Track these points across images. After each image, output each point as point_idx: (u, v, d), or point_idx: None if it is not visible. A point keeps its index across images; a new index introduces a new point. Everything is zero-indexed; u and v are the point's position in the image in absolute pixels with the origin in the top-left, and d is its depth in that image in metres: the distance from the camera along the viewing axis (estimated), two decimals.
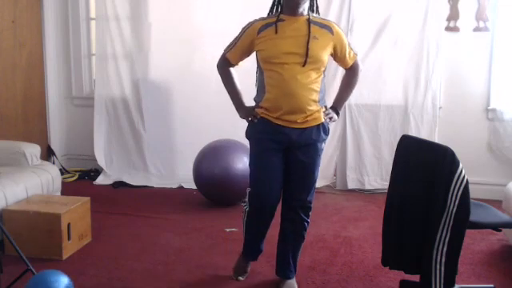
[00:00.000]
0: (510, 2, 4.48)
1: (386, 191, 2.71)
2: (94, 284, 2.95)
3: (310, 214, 2.83)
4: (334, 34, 2.66)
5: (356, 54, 2.82)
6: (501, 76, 4.55)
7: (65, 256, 3.28)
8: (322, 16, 2.77)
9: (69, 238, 3.32)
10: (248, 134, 2.82)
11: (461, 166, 2.31)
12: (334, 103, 2.87)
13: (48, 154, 5.36)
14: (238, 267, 3.04)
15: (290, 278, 2.88)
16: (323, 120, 2.70)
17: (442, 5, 4.55)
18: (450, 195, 2.30)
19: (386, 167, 4.70)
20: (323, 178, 4.99)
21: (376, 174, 4.83)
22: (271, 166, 2.71)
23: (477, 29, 4.53)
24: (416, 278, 2.51)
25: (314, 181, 2.77)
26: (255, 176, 2.77)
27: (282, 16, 2.63)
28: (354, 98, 4.78)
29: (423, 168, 2.44)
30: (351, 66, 2.83)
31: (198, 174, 4.33)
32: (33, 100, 5.20)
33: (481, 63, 4.56)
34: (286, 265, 2.87)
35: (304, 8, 2.61)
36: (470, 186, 2.32)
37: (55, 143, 5.49)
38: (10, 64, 4.85)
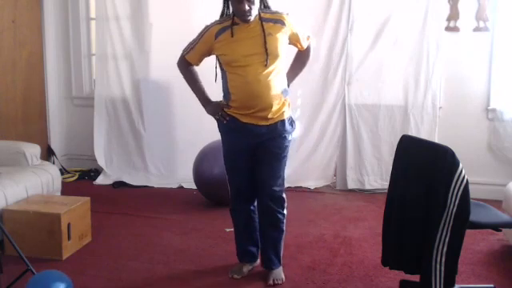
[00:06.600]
0: (510, 2, 4.48)
1: (386, 191, 2.71)
2: (94, 284, 2.95)
3: (285, 205, 2.93)
4: (286, 25, 2.75)
5: (309, 37, 2.93)
6: (501, 76, 4.53)
7: (65, 256, 3.28)
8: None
9: (69, 238, 3.32)
10: (220, 129, 2.92)
11: (461, 166, 2.31)
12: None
13: (48, 153, 5.36)
14: (235, 267, 3.09)
15: (273, 269, 2.98)
16: (287, 116, 2.82)
17: (442, 5, 4.54)
18: (450, 195, 2.30)
19: (385, 167, 4.70)
20: (323, 177, 4.99)
21: (376, 174, 4.83)
22: (241, 167, 2.89)
23: (477, 29, 4.53)
24: (416, 278, 2.51)
25: (281, 169, 2.87)
26: (229, 173, 2.97)
27: (236, 19, 2.72)
28: (354, 97, 4.79)
29: (423, 168, 2.44)
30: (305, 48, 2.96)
31: (198, 174, 4.33)
32: (33, 100, 5.19)
33: (481, 63, 4.56)
34: (267, 259, 2.99)
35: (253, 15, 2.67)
36: (470, 186, 2.33)
37: (55, 143, 5.48)
38: (9, 64, 4.85)
